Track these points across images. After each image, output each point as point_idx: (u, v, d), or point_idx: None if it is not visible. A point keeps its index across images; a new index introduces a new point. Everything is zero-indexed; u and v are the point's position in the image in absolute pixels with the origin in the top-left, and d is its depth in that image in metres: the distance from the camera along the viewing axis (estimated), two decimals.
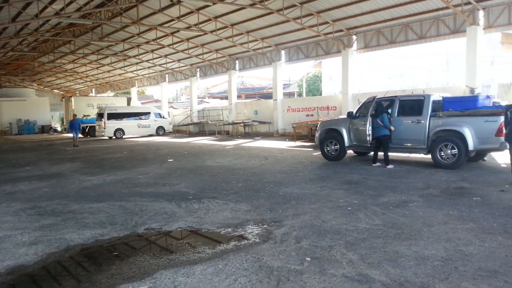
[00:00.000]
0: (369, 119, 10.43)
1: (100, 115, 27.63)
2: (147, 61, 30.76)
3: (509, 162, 7.95)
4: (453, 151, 9.45)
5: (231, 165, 11.84)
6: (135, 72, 35.59)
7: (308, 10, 17.64)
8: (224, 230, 5.46)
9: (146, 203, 7.20)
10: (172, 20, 20.92)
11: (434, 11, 15.95)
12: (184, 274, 3.99)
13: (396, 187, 7.85)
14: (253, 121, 25.10)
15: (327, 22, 18.53)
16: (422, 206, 6.33)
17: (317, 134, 12.42)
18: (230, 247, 4.74)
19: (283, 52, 23.47)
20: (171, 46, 25.53)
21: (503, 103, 10.13)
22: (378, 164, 10.41)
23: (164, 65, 31.58)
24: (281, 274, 3.90)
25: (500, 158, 10.64)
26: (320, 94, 34.89)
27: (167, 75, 34.40)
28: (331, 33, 19.14)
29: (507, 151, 8.19)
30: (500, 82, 21.54)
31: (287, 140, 19.94)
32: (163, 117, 30.70)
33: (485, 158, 10.66)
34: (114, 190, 8.60)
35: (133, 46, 27.35)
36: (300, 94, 41.29)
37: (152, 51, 28.25)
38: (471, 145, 9.20)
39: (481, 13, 14.89)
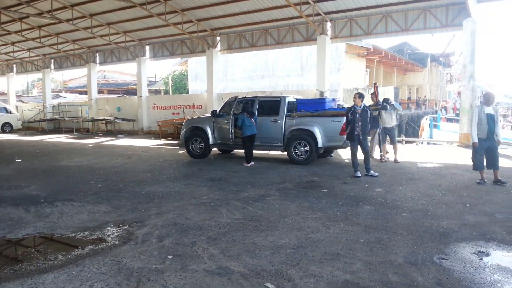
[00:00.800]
0: (232, 118, 10.81)
1: None
2: None
3: (351, 158, 9.04)
4: (305, 148, 10.38)
5: (90, 165, 11.13)
6: None
7: (172, 7, 17.46)
8: (80, 234, 5.13)
9: None
10: (21, 4, 18.59)
11: (290, 19, 17.22)
12: (32, 284, 3.65)
13: (256, 182, 8.30)
14: (116, 118, 23.88)
15: (191, 21, 18.60)
16: (278, 199, 6.83)
17: (182, 132, 12.41)
18: (86, 252, 4.48)
19: (147, 47, 22.81)
20: (20, 33, 22.69)
21: (346, 106, 11.47)
22: (252, 163, 10.58)
23: (11, 54, 27.91)
24: (142, 274, 3.84)
25: (344, 154, 12.02)
26: (187, 93, 34.86)
27: (14, 65, 30.53)
28: (195, 32, 19.27)
29: (349, 148, 9.27)
30: (345, 87, 24.33)
31: (152, 138, 19.47)
32: (10, 112, 27.28)
33: (332, 155, 11.93)
34: None
35: None
36: (166, 92, 40.65)
37: None
38: (320, 143, 10.21)
39: (328, 24, 16.60)
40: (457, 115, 21.94)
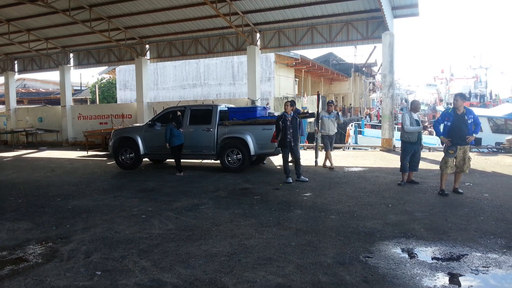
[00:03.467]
0: (169, 127, 10.48)
1: None
2: None
3: (282, 164, 9.25)
4: (238, 156, 10.46)
5: (9, 180, 10.35)
6: None
7: (98, 14, 16.84)
8: None
9: None
10: None
11: (220, 29, 17.37)
12: None
13: (189, 191, 8.22)
14: (38, 129, 22.42)
15: (119, 29, 18.06)
16: (212, 207, 6.81)
17: (110, 143, 11.97)
18: (5, 273, 4.16)
19: (71, 55, 21.75)
20: None
21: (276, 114, 11.74)
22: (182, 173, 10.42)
23: None
24: None
25: (276, 161, 12.29)
26: (115, 102, 33.67)
27: None
28: (123, 40, 18.73)
29: (281, 155, 9.48)
30: (276, 96, 24.94)
31: (78, 149, 18.52)
32: None
33: (265, 162, 12.14)
34: None
35: None
36: (93, 101, 38.92)
37: None
38: (252, 150, 10.33)
39: (258, 35, 16.99)
40: (380, 121, 23.34)
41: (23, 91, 42.30)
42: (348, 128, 23.75)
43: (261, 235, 5.20)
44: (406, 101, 51.68)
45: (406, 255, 4.46)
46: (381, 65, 22.01)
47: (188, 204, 7.10)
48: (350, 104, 42.10)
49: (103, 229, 5.65)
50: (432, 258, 4.36)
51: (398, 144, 13.97)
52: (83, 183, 9.59)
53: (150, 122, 11.39)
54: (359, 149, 17.89)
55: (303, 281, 3.79)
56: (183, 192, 8.20)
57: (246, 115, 10.98)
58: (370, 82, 49.23)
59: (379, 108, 38.85)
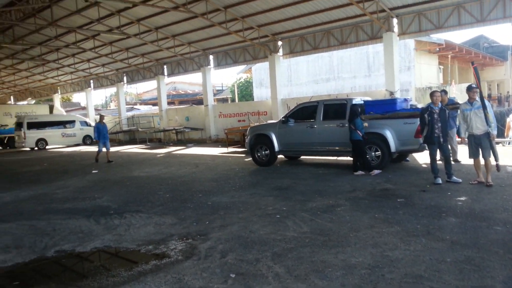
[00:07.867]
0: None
1: (19, 125, 25.75)
2: (68, 65, 28.83)
3: (430, 162, 8.19)
4: (377, 153, 9.68)
5: (160, 175, 11.33)
6: (57, 77, 33.23)
7: (233, 15, 17.51)
8: (144, 248, 5.05)
9: (60, 221, 6.59)
10: (92, 22, 19.79)
11: (353, 18, 16.49)
12: None
13: (324, 191, 7.84)
14: (185, 127, 24.52)
15: (252, 28, 18.54)
16: (349, 210, 6.32)
17: (247, 140, 12.28)
18: (149, 268, 4.35)
19: (211, 57, 23.18)
20: (93, 50, 24.16)
21: (419, 106, 10.59)
22: (360, 172, 9.49)
23: (88, 70, 29.87)
24: None
25: (421, 158, 11.11)
26: (253, 99, 35.06)
27: (91, 81, 32.60)
28: (257, 38, 19.18)
29: (427, 152, 8.38)
30: (417, 86, 22.96)
31: (220, 146, 19.65)
32: (90, 125, 29.09)
33: (408, 159, 11.09)
34: (26, 207, 7.86)
35: (51, 50, 25.49)
36: (233, 100, 41.25)
37: (73, 55, 26.55)
38: (393, 147, 9.43)
39: (395, 21, 15.62)
40: None
41: (174, 93, 47.09)
42: (508, 119, 20.59)
43: (408, 247, 4.56)
44: None
45: None
46: None
47: (323, 204, 6.74)
48: (508, 92, 36.72)
49: (239, 228, 5.63)
50: None
51: None
52: (222, 179, 9.95)
53: (283, 119, 11.33)
54: None
55: None
56: (318, 191, 7.86)
57: (384, 108, 10.10)
58: None
59: None
